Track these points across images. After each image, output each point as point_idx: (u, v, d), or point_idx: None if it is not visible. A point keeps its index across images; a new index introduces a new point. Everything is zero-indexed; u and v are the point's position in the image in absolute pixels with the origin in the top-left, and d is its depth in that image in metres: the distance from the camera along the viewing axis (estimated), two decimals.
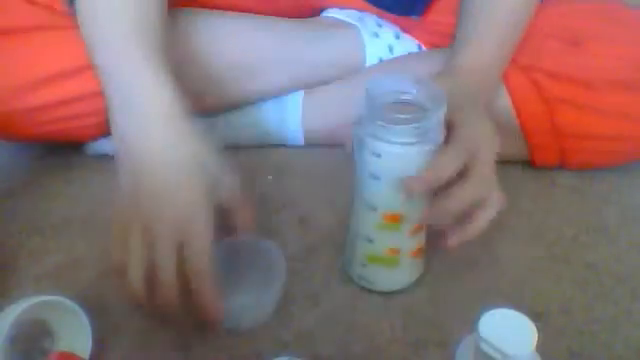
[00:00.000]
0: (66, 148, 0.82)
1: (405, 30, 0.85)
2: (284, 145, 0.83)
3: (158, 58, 0.59)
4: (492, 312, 0.45)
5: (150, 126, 0.57)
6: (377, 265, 0.63)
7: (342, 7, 0.86)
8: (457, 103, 0.58)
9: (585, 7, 0.77)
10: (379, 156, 0.56)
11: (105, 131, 0.76)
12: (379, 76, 0.57)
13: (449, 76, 0.65)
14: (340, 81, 0.81)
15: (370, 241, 0.62)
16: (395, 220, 0.59)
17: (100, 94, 0.70)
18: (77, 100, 0.71)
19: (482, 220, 0.58)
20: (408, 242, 0.61)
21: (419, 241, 0.63)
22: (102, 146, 0.80)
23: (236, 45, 0.76)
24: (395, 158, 0.55)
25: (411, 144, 0.54)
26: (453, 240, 0.59)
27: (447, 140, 0.56)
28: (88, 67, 0.68)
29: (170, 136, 0.57)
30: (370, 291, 0.65)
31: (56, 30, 0.70)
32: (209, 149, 0.58)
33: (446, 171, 0.55)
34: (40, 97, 0.70)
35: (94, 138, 0.78)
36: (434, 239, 0.60)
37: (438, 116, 0.54)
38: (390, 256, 0.62)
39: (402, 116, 0.54)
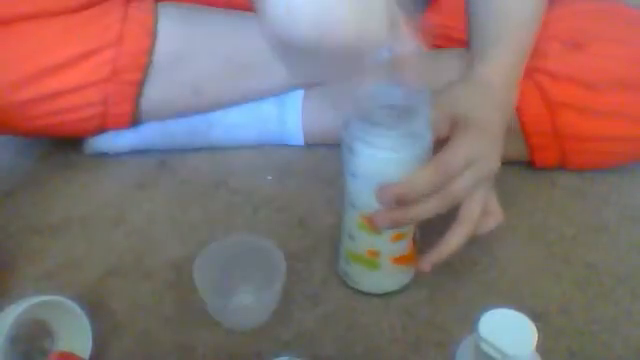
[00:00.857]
0: (66, 148, 0.82)
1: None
2: (284, 145, 0.83)
3: None
4: (492, 312, 0.45)
5: None
6: (359, 265, 0.63)
7: None
8: (466, 116, 0.58)
9: (587, 8, 0.77)
10: (357, 156, 0.56)
11: (102, 125, 0.76)
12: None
13: (468, 86, 0.64)
14: None
15: (352, 239, 0.62)
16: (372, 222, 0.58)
17: (95, 85, 0.70)
18: (73, 92, 0.71)
19: (450, 246, 0.58)
20: (389, 247, 0.61)
21: (403, 249, 0.62)
22: (101, 144, 0.80)
23: (236, 44, 0.76)
24: (372, 160, 0.55)
25: (389, 148, 0.54)
26: (425, 264, 0.59)
27: (439, 150, 0.56)
28: (83, 57, 0.68)
29: None
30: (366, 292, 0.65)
31: (51, 19, 0.69)
32: None
33: (416, 191, 0.54)
34: (37, 90, 0.70)
35: (92, 133, 0.78)
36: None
37: (421, 122, 0.54)
38: (369, 258, 0.62)
39: (383, 119, 0.54)
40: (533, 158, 0.78)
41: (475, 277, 0.67)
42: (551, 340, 0.60)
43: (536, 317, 0.46)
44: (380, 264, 0.62)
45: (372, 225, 0.58)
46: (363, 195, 0.58)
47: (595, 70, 0.72)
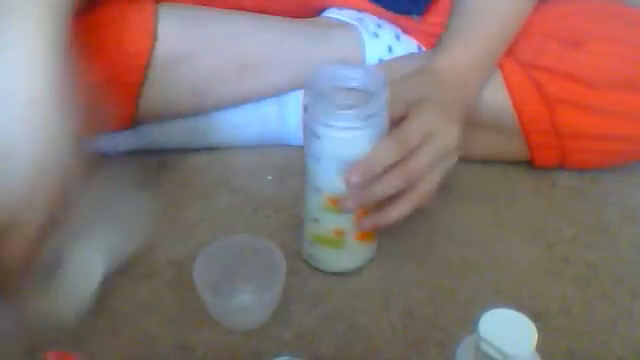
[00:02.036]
0: None
1: (405, 31, 0.85)
2: (284, 145, 0.83)
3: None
4: (492, 312, 0.45)
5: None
6: (322, 245, 0.64)
7: (342, 7, 0.86)
8: (419, 98, 0.60)
9: (586, 7, 0.77)
10: (319, 138, 0.57)
11: (102, 126, 0.76)
12: (325, 63, 0.59)
13: (423, 73, 0.67)
14: None
15: (316, 221, 0.63)
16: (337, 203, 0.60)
17: (95, 85, 0.70)
18: None
19: (396, 211, 0.60)
20: (354, 225, 0.62)
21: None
22: (101, 144, 0.79)
23: (236, 44, 0.76)
24: (333, 142, 0.57)
25: (349, 129, 0.56)
26: (365, 224, 0.61)
27: (393, 130, 0.58)
28: (83, 57, 0.69)
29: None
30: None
31: None
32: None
33: (380, 163, 0.56)
34: None
35: (92, 134, 0.78)
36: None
37: (378, 102, 0.56)
38: (335, 237, 0.63)
39: (341, 100, 0.55)
40: (533, 157, 0.78)
41: (475, 277, 0.67)
42: (551, 340, 0.60)
43: (536, 317, 0.46)
44: (345, 242, 0.63)
45: (340, 207, 0.59)
46: (327, 177, 0.59)
47: (594, 68, 0.72)
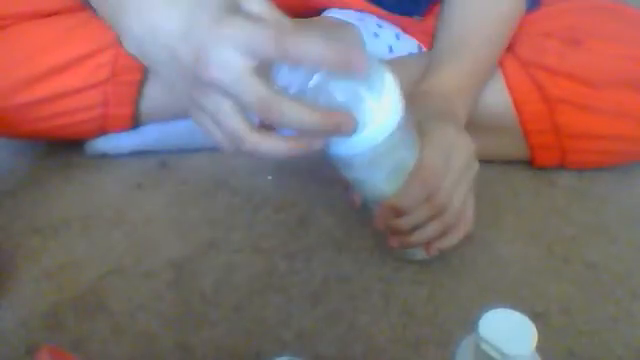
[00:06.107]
0: (66, 148, 0.82)
1: (405, 31, 0.85)
2: None
3: None
4: (492, 312, 0.45)
5: None
6: None
7: (342, 7, 0.86)
8: (421, 119, 0.59)
9: (586, 5, 0.77)
10: None
11: (103, 127, 0.76)
12: None
13: (418, 99, 0.65)
14: None
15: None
16: None
17: (95, 86, 0.70)
18: (73, 94, 0.71)
19: (424, 234, 0.61)
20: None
21: None
22: (102, 145, 0.80)
23: None
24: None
25: None
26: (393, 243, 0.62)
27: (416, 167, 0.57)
28: (83, 59, 0.69)
29: None
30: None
31: (50, 20, 0.70)
32: None
33: (407, 208, 0.57)
34: (37, 92, 0.70)
35: (93, 136, 0.78)
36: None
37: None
38: None
39: None
40: (533, 157, 0.78)
41: (475, 277, 0.67)
42: (551, 340, 0.60)
43: (536, 317, 0.46)
44: None
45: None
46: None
47: (594, 68, 0.72)
